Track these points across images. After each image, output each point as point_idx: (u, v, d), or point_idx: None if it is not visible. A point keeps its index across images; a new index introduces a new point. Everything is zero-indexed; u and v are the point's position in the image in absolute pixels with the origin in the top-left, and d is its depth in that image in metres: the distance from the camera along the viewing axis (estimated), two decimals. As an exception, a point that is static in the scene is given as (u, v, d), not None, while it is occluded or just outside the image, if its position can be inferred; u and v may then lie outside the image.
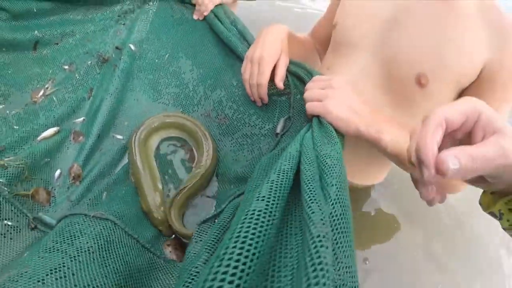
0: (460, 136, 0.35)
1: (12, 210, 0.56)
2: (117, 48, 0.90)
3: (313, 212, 0.30)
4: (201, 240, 0.47)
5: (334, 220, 0.31)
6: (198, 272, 0.36)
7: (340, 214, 0.32)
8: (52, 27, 0.86)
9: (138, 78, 0.88)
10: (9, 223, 0.54)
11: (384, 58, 0.67)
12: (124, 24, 0.93)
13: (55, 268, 0.40)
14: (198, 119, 0.80)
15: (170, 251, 0.60)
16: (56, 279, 0.39)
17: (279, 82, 0.68)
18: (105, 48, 0.89)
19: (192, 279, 0.35)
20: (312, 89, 0.58)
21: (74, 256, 0.43)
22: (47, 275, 0.39)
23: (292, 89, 0.69)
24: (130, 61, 0.87)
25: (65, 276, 0.40)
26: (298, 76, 0.69)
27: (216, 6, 0.89)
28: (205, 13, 0.89)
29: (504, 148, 0.30)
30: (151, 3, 0.96)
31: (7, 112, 0.78)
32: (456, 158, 0.30)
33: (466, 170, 0.30)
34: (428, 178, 0.32)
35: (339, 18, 0.77)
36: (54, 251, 0.44)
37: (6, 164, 0.62)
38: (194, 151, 0.78)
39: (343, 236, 0.31)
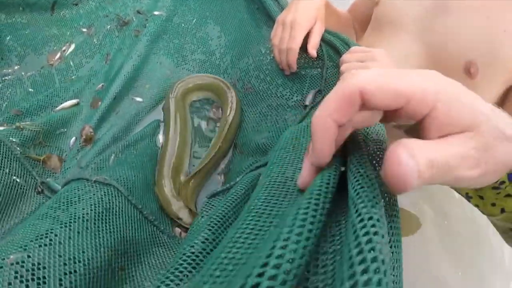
0: (393, 119, 0.23)
1: (21, 170, 0.54)
2: (138, 12, 0.86)
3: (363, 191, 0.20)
4: (207, 215, 0.40)
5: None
6: (193, 253, 0.30)
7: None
8: None
9: (163, 40, 0.84)
10: (17, 180, 0.53)
11: (431, 42, 0.61)
12: None
13: (42, 235, 0.36)
14: None
15: (180, 232, 0.54)
16: (40, 245, 0.34)
17: (312, 50, 0.63)
18: (125, 11, 0.86)
19: (185, 260, 0.29)
20: (348, 62, 0.53)
21: (65, 223, 0.39)
22: (31, 241, 0.35)
23: (325, 60, 0.63)
24: (155, 24, 0.83)
25: (50, 244, 0.35)
26: (334, 46, 0.62)
27: None
28: None
29: (477, 157, 0.19)
30: None
31: (22, 73, 0.76)
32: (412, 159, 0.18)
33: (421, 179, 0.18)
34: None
35: None
36: (45, 218, 0.40)
37: (22, 127, 0.60)
38: (220, 110, 0.75)
39: (396, 240, 0.21)
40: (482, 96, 0.22)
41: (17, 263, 0.31)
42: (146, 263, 0.44)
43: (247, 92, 0.74)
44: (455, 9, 0.58)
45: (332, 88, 0.52)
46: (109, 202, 0.45)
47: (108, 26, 0.84)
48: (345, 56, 0.55)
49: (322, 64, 0.64)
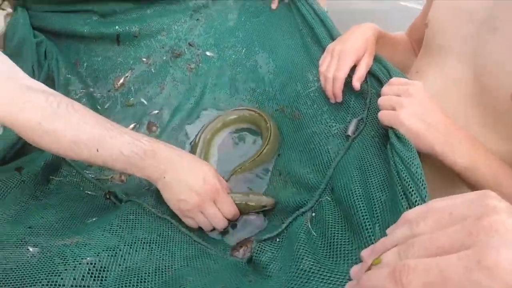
0: None
1: (92, 186, 0.71)
2: (190, 44, 0.98)
3: None
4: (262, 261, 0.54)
5: None
6: None
7: None
8: (131, 23, 0.98)
9: (216, 76, 0.95)
10: (89, 193, 0.69)
11: (477, 66, 0.61)
12: (198, 19, 1.01)
13: (111, 248, 0.50)
14: (272, 115, 0.83)
15: (242, 252, 0.63)
16: (108, 255, 0.49)
17: (356, 82, 0.66)
18: (178, 44, 0.99)
19: None
20: (387, 95, 0.56)
21: (129, 243, 0.53)
22: (103, 250, 0.49)
23: (369, 90, 0.67)
24: (207, 63, 0.96)
25: (115, 255, 0.49)
26: (377, 77, 0.66)
27: None
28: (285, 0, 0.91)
29: None
30: None
31: (94, 94, 0.94)
32: None
33: None
34: None
35: (431, 15, 0.71)
36: (115, 234, 0.54)
37: None
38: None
39: None
40: None
41: (91, 263, 0.46)
42: (192, 273, 0.54)
43: (295, 118, 0.80)
44: (503, 30, 0.58)
45: (374, 117, 0.57)
46: (163, 231, 0.59)
47: (164, 57, 0.97)
48: (384, 89, 0.58)
49: (366, 94, 0.68)
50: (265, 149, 0.74)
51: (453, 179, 0.55)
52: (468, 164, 0.50)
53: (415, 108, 0.51)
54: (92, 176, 0.73)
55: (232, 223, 0.65)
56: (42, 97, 0.55)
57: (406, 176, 0.44)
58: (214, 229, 0.63)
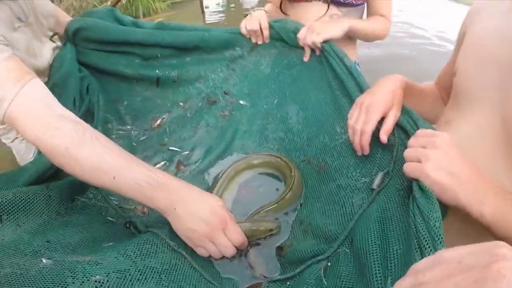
0: None
1: (115, 213, 0.74)
2: (225, 93, 1.04)
3: None
4: None
5: None
6: None
7: None
8: (171, 68, 1.06)
9: (247, 124, 0.99)
10: (110, 219, 0.72)
11: (506, 115, 0.59)
12: (234, 70, 1.07)
13: (121, 270, 0.51)
14: (299, 165, 0.84)
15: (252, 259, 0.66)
16: (117, 277, 0.49)
17: (383, 136, 0.67)
18: (215, 92, 1.05)
19: None
20: (413, 147, 0.55)
21: (140, 270, 0.53)
22: (113, 272, 0.50)
23: (396, 142, 0.67)
24: (240, 112, 1.01)
25: (124, 278, 0.50)
26: (404, 128, 0.66)
27: (324, 42, 0.93)
28: (317, 53, 0.95)
29: None
30: (260, 49, 1.07)
31: (132, 132, 1.01)
32: None
33: None
34: None
35: (459, 64, 0.71)
36: (128, 259, 0.55)
37: None
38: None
39: None
40: None
41: (99, 282, 0.47)
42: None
43: (321, 170, 0.80)
44: None
45: (400, 170, 0.56)
46: (175, 264, 0.59)
47: (200, 103, 1.04)
48: (411, 141, 0.57)
49: (393, 146, 0.67)
50: (287, 195, 0.74)
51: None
52: (496, 216, 0.47)
53: (441, 160, 0.50)
54: (116, 203, 0.76)
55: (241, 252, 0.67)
56: (71, 126, 0.63)
57: (423, 229, 0.43)
58: (223, 257, 0.65)
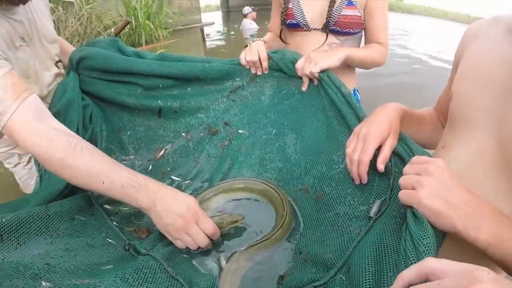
0: None
1: (115, 235, 0.75)
2: (225, 124, 1.07)
3: None
4: None
5: None
6: None
7: None
8: (172, 98, 1.09)
9: (246, 154, 1.01)
10: (110, 240, 0.73)
11: (501, 137, 0.61)
12: (234, 100, 1.10)
13: None
14: (296, 194, 0.85)
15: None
16: None
17: (380, 164, 0.68)
18: (215, 122, 1.08)
19: None
20: (408, 174, 0.57)
21: None
22: None
23: (393, 169, 0.69)
24: (239, 141, 1.04)
25: None
26: (401, 156, 0.68)
27: (322, 72, 0.96)
28: (315, 82, 0.98)
29: None
30: (259, 80, 1.11)
31: (135, 162, 1.04)
32: None
33: None
34: None
35: (455, 87, 0.73)
36: (126, 282, 0.57)
37: (117, 211, 0.83)
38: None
39: None
40: None
41: None
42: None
43: (319, 199, 0.81)
44: None
45: (397, 197, 0.60)
46: None
47: (201, 134, 1.07)
48: (406, 168, 0.59)
49: (390, 173, 0.69)
50: (276, 234, 0.75)
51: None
52: (491, 240, 0.48)
53: (435, 187, 0.52)
54: (116, 224, 0.77)
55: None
56: (65, 138, 0.72)
57: (412, 255, 0.45)
58: (199, 248, 0.73)
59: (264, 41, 1.14)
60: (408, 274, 0.39)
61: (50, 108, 0.96)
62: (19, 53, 0.92)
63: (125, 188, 0.69)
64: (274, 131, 1.03)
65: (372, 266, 0.53)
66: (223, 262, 0.71)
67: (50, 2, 1.12)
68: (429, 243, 0.46)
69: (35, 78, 1.00)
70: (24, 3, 0.90)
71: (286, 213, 0.78)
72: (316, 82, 0.99)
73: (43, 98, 1.01)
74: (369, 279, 0.51)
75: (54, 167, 0.71)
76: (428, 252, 0.44)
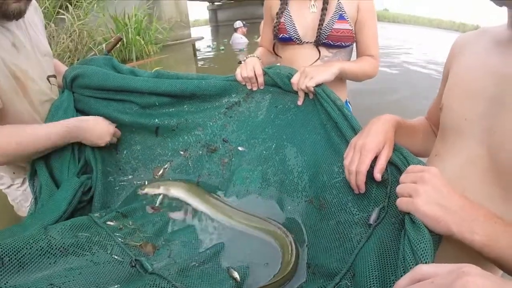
0: None
1: (120, 251, 0.76)
2: (224, 140, 1.10)
3: None
4: None
5: None
6: None
7: None
8: (169, 116, 1.10)
9: (248, 170, 1.03)
10: (116, 257, 0.74)
11: (491, 144, 0.64)
12: (231, 117, 1.12)
13: None
14: (300, 205, 0.89)
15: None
16: None
17: (377, 174, 0.72)
18: (213, 139, 1.10)
19: None
20: (404, 183, 0.60)
21: None
22: None
23: (390, 179, 0.72)
24: (239, 159, 1.06)
25: None
26: (397, 165, 0.72)
27: (317, 86, 0.99)
28: (310, 96, 1.01)
29: None
30: (255, 95, 1.13)
31: (134, 182, 1.04)
32: None
33: None
34: None
35: (445, 99, 0.77)
36: None
37: (121, 226, 0.84)
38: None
39: None
40: None
41: None
42: None
43: (321, 208, 0.85)
44: (510, 104, 0.61)
45: (395, 205, 0.64)
46: None
47: (200, 152, 1.08)
48: (402, 177, 0.62)
49: (387, 182, 0.72)
50: (283, 278, 0.74)
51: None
52: (485, 241, 0.51)
53: (431, 194, 0.55)
54: (121, 240, 0.78)
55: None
56: (6, 129, 0.87)
57: (410, 259, 0.49)
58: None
59: (258, 57, 1.17)
60: (403, 282, 0.42)
61: None
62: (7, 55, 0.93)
63: (68, 132, 0.92)
64: (273, 146, 1.06)
65: (376, 271, 0.56)
66: (235, 274, 0.71)
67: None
68: (427, 247, 0.49)
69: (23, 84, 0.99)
70: (17, 19, 0.93)
71: (292, 262, 0.76)
72: (311, 96, 1.02)
73: (34, 110, 1.01)
74: (374, 284, 0.54)
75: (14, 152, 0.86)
76: (426, 256, 0.47)
